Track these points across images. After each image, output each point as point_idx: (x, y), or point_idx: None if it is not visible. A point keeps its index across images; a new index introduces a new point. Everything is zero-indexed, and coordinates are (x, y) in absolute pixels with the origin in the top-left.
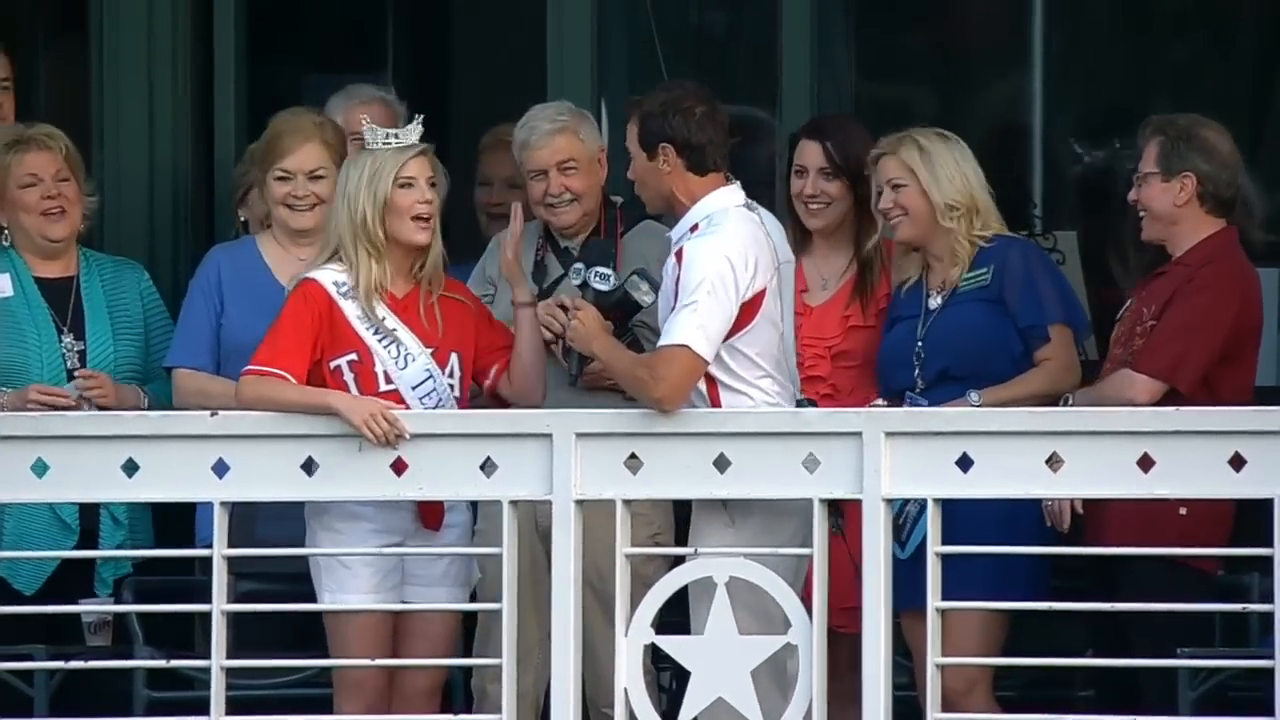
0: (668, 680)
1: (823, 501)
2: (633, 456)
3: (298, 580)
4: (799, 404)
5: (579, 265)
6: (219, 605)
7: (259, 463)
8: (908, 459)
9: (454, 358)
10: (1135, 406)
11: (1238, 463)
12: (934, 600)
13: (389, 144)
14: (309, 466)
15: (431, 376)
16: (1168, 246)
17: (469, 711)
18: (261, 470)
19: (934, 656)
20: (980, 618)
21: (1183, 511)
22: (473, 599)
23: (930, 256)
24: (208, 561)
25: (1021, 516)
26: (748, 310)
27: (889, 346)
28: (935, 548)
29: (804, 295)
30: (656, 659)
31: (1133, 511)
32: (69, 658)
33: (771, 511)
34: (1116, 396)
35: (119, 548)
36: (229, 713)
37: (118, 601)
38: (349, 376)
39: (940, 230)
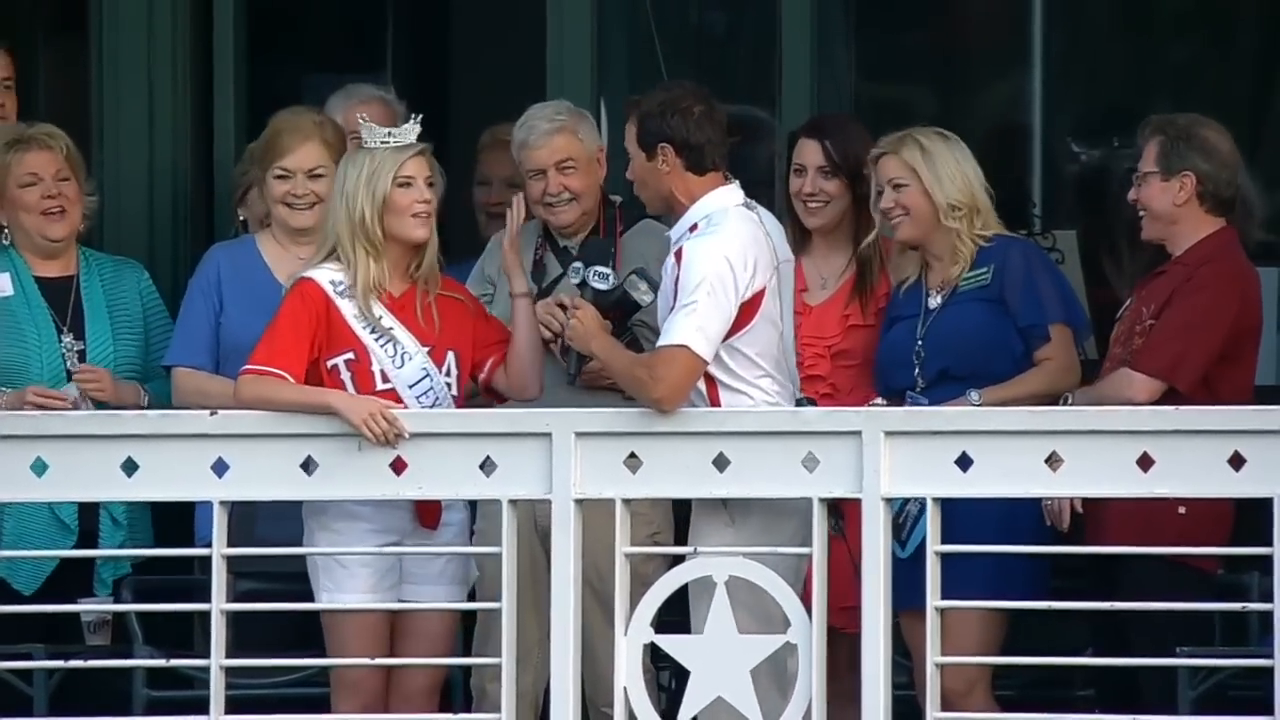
0: (667, 679)
1: (822, 501)
2: (632, 456)
3: (297, 580)
4: (798, 403)
5: (578, 264)
6: (218, 604)
7: (258, 462)
8: (907, 458)
9: (450, 356)
10: (1134, 406)
11: (1237, 462)
12: (933, 600)
13: (387, 143)
14: (308, 466)
15: (428, 375)
16: (1167, 246)
17: (468, 711)
18: (261, 469)
19: (933, 656)
20: (980, 617)
21: (1182, 511)
22: (471, 597)
23: (930, 256)
24: (207, 561)
25: (1021, 516)
26: (747, 310)
27: (888, 346)
28: (935, 547)
29: (803, 294)
30: (656, 658)
31: (1132, 511)
32: (68, 657)
33: (771, 511)
34: (1116, 396)
35: (118, 548)
36: (228, 712)
37: (117, 601)
38: (346, 375)
39: (941, 230)
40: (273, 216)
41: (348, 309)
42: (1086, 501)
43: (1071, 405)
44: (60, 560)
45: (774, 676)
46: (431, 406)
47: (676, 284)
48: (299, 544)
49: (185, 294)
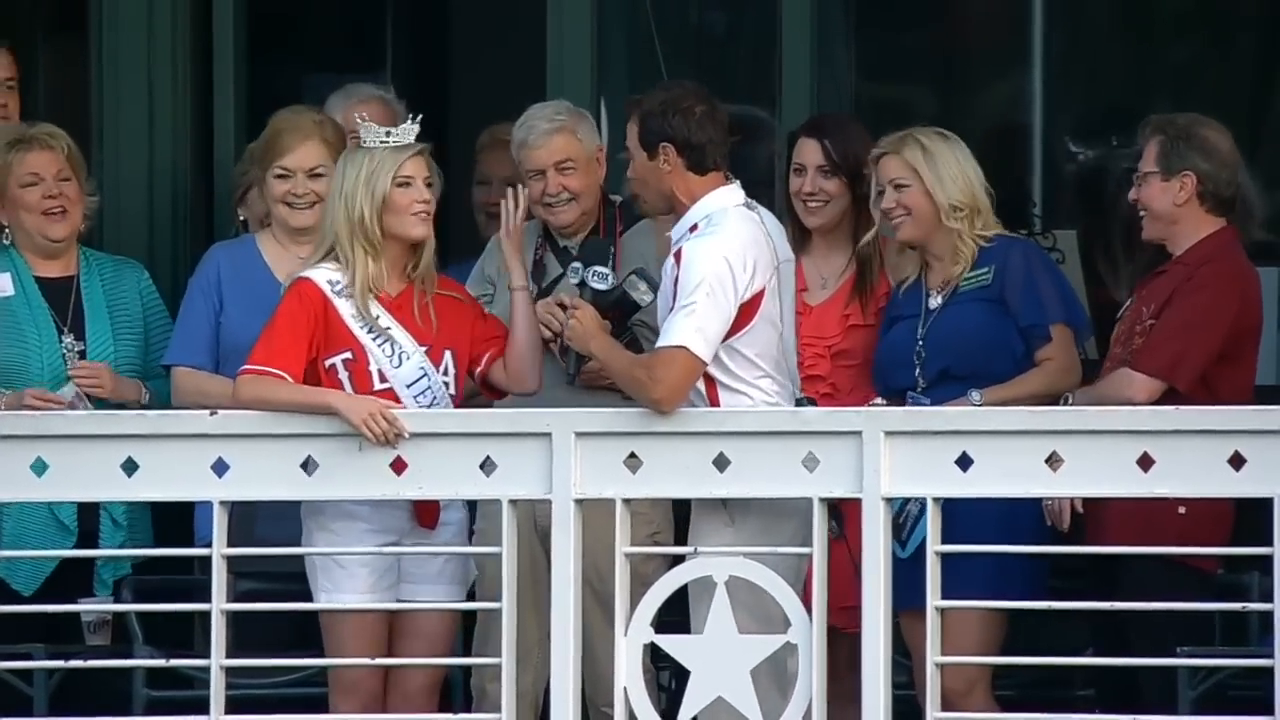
0: (667, 679)
1: (822, 500)
2: (632, 456)
3: (297, 580)
4: (798, 403)
5: (576, 264)
6: (218, 604)
7: (258, 462)
8: (907, 458)
9: (448, 355)
10: (1134, 405)
11: (1237, 462)
12: (934, 599)
13: (386, 143)
14: (308, 466)
15: (426, 375)
16: (1168, 246)
17: (469, 711)
18: (261, 469)
19: (933, 656)
20: (980, 617)
21: (1182, 511)
22: (471, 597)
23: (930, 256)
24: (207, 561)
25: (1021, 516)
26: (746, 311)
27: (888, 346)
28: (935, 547)
29: (803, 294)
30: (656, 658)
31: (1132, 511)
32: (68, 657)
33: (771, 511)
34: (1115, 395)
35: (118, 549)
36: (228, 712)
37: (117, 601)
38: (343, 375)
39: (942, 230)
40: (273, 216)
41: (345, 309)
42: (1087, 501)
43: (1071, 405)
44: (60, 561)
45: (774, 676)
46: (429, 406)
47: (676, 285)
48: (299, 544)
49: (185, 294)
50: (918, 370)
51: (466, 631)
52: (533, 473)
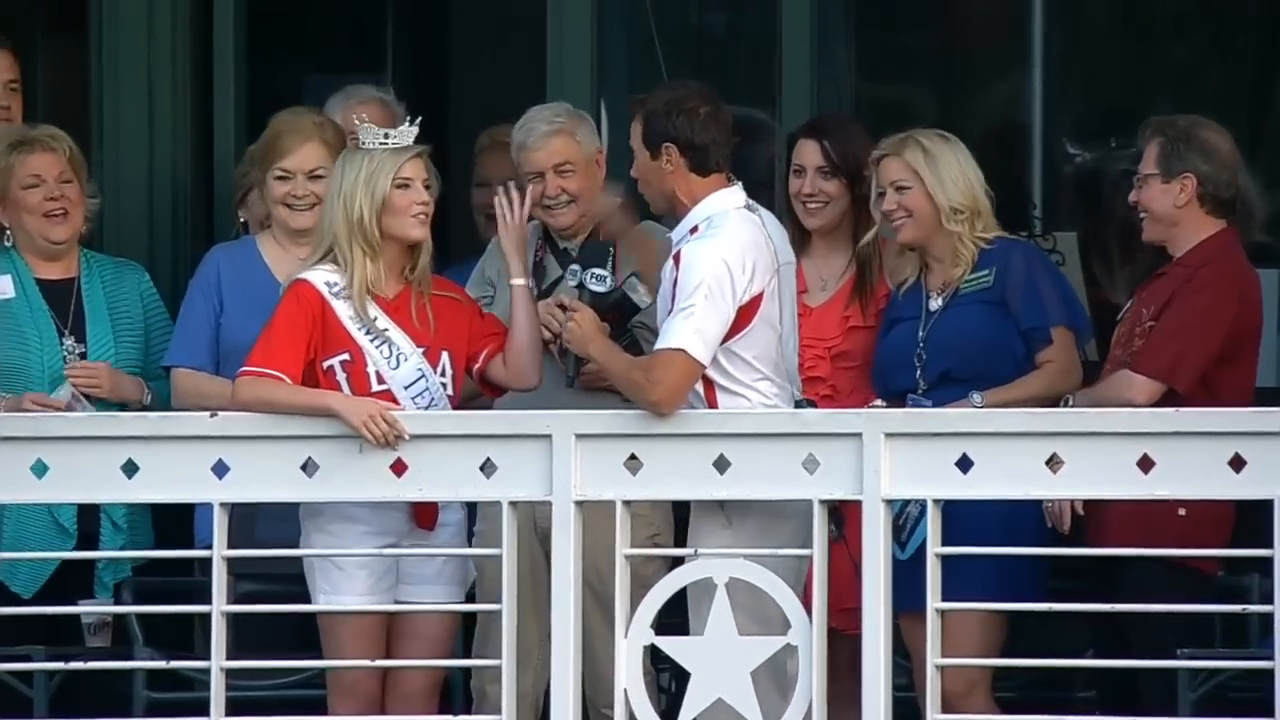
0: (667, 681)
1: (822, 502)
2: (632, 457)
3: (297, 581)
4: (798, 405)
5: (575, 267)
6: (219, 606)
7: (259, 464)
8: (907, 460)
9: (445, 356)
10: (1134, 407)
11: (1238, 463)
12: (934, 601)
13: (384, 144)
14: (308, 467)
15: (424, 376)
16: (1168, 247)
17: (469, 713)
18: (261, 471)
19: (934, 657)
20: (980, 619)
21: (1182, 512)
22: (470, 599)
23: (930, 258)
24: (207, 563)
25: (1022, 517)
26: (745, 313)
27: (889, 348)
28: (935, 549)
29: (803, 296)
30: (656, 660)
31: (1133, 512)
32: (69, 659)
33: (770, 513)
34: (1115, 397)
35: (118, 551)
36: (229, 714)
37: (117, 603)
38: (341, 377)
39: (943, 232)
40: (273, 217)
41: (343, 310)
42: (1087, 503)
43: (1072, 407)
44: (60, 563)
45: (774, 678)
46: (427, 407)
47: (675, 287)
48: (299, 546)
49: (185, 295)
50: (918, 372)
51: (466, 633)
52: (533, 474)
